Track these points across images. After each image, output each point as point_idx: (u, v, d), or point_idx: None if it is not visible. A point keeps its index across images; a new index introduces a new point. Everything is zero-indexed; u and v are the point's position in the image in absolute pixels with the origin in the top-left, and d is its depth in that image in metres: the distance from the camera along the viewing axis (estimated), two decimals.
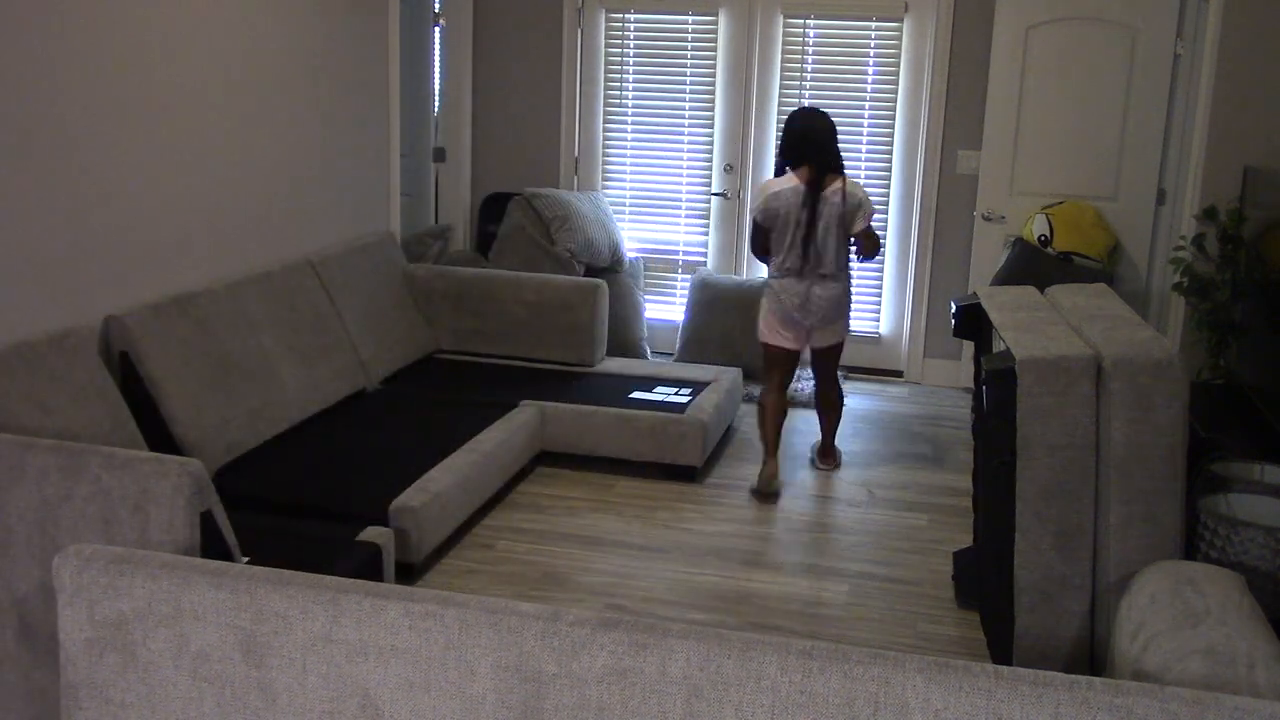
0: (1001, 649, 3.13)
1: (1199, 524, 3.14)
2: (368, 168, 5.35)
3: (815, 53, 6.32)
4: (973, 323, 3.62)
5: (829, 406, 4.94)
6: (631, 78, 6.58)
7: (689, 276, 6.70)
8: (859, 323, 6.54)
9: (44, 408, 3.15)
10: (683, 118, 6.56)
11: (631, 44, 6.54)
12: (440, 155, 6.87)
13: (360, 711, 1.98)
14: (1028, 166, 6.06)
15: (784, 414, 4.74)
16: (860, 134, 6.35)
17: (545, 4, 6.58)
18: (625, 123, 6.63)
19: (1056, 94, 5.94)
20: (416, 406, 4.67)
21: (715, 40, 6.42)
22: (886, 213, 6.39)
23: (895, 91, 6.26)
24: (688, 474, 4.81)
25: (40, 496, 2.59)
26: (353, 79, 5.14)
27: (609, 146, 6.68)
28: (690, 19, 6.44)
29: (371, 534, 3.48)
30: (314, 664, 1.99)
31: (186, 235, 4.08)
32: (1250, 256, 4.99)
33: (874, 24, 6.21)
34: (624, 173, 6.68)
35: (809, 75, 6.34)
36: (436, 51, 6.81)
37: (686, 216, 6.67)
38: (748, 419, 5.67)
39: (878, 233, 5.26)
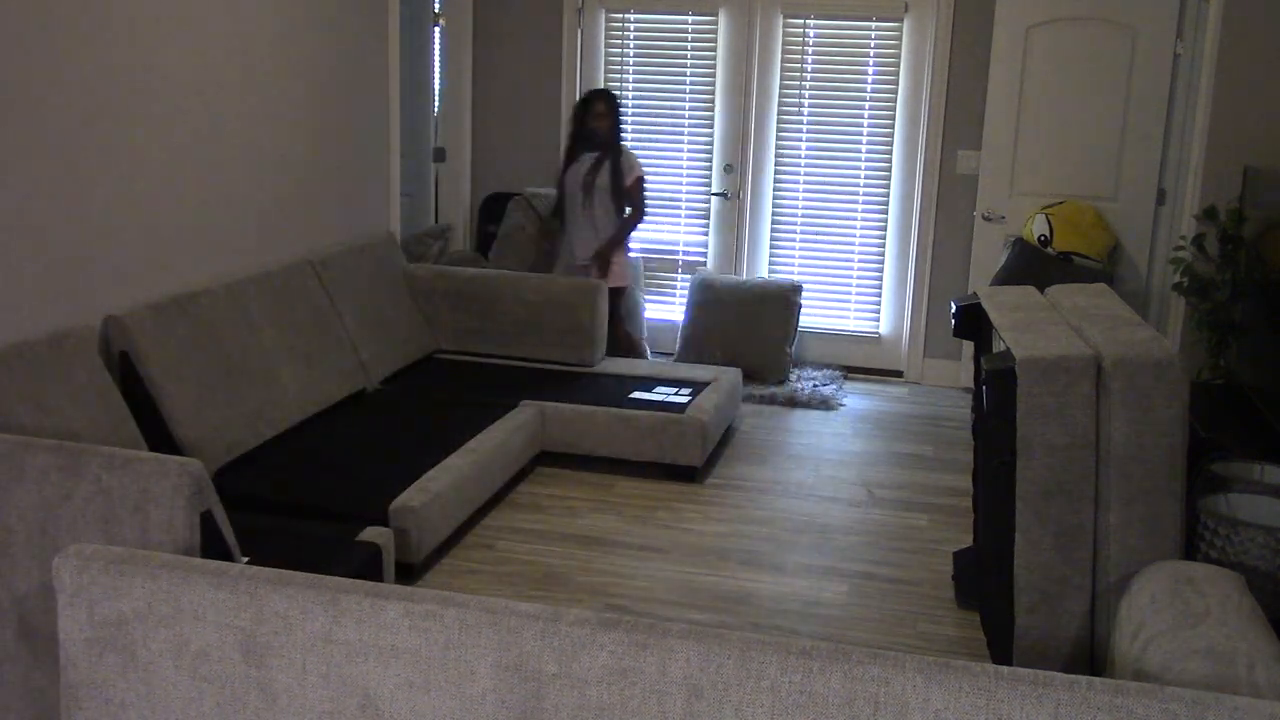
0: (1001, 649, 3.13)
1: (1199, 524, 3.14)
2: (368, 168, 5.35)
3: (815, 53, 6.32)
4: (973, 323, 3.62)
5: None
6: (631, 78, 6.58)
7: (689, 276, 6.71)
8: (859, 323, 6.54)
9: (44, 408, 3.15)
10: (683, 118, 6.57)
11: (631, 44, 6.54)
12: (440, 155, 6.87)
13: (360, 711, 1.98)
14: (1028, 166, 6.06)
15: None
16: (860, 134, 6.35)
17: (545, 4, 6.58)
18: (625, 123, 6.63)
19: (1056, 94, 5.95)
20: (416, 407, 4.67)
21: (715, 40, 6.42)
22: (886, 213, 6.39)
23: (895, 91, 6.26)
24: (688, 474, 4.81)
25: (40, 496, 2.59)
26: (353, 79, 5.14)
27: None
28: (690, 19, 6.44)
29: (371, 534, 3.48)
30: (314, 664, 1.99)
31: (187, 235, 4.09)
32: (1250, 256, 4.99)
33: (874, 24, 6.22)
34: None
35: (809, 75, 6.35)
36: (436, 51, 6.81)
37: (686, 216, 6.67)
38: (748, 419, 5.68)
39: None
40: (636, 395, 4.97)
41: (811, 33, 6.31)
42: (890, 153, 6.33)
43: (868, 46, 6.24)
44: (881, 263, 6.45)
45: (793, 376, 6.28)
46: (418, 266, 5.53)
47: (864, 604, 3.80)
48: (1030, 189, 6.08)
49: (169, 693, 2.06)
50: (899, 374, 6.52)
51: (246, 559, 3.20)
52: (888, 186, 6.37)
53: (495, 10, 6.66)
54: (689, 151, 6.59)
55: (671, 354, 6.66)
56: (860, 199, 6.41)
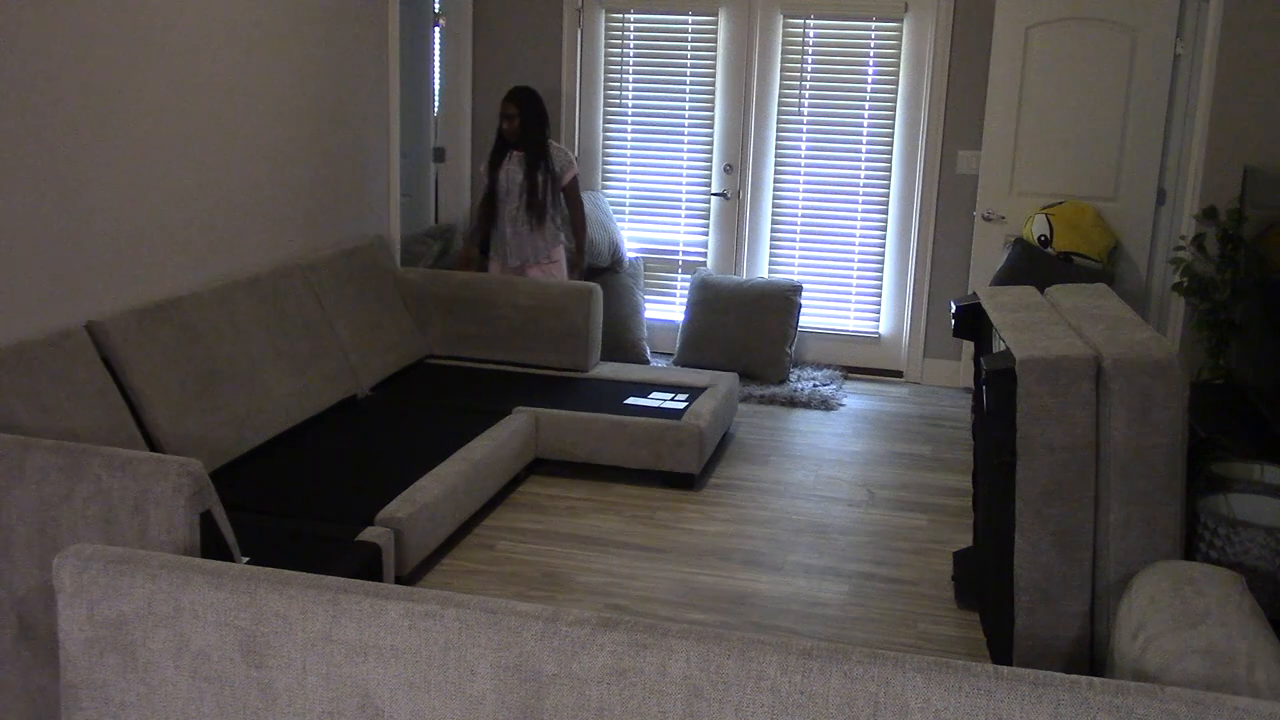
0: (1001, 649, 3.13)
1: (1199, 524, 3.14)
2: (366, 168, 5.35)
3: (815, 53, 6.32)
4: (973, 323, 3.62)
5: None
6: (631, 78, 6.58)
7: (689, 276, 6.71)
8: (859, 323, 6.54)
9: (44, 407, 3.15)
10: (683, 118, 6.57)
11: (631, 44, 6.54)
12: (440, 155, 6.87)
13: (360, 711, 1.98)
14: (1028, 166, 6.06)
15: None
16: (860, 134, 6.35)
17: (545, 4, 6.58)
18: (625, 123, 6.63)
19: (1056, 94, 5.95)
20: (407, 413, 4.58)
21: (715, 40, 6.42)
22: (886, 213, 6.39)
23: (895, 91, 6.26)
24: (685, 481, 4.72)
25: (40, 497, 2.59)
26: (352, 79, 5.14)
27: (609, 146, 6.68)
28: (690, 19, 6.44)
29: (371, 534, 3.47)
30: (314, 664, 1.99)
31: (174, 238, 4.03)
32: (1250, 256, 4.99)
33: (874, 24, 6.22)
34: (624, 173, 6.68)
35: (809, 75, 6.35)
36: (436, 51, 6.81)
37: (686, 216, 6.67)
38: (748, 419, 5.68)
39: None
40: (632, 401, 4.90)
41: (811, 33, 6.31)
42: (890, 153, 6.33)
43: (868, 46, 6.24)
44: (881, 263, 6.45)
45: (793, 376, 6.28)
46: (409, 270, 5.47)
47: (864, 604, 3.80)
48: (1030, 189, 6.08)
49: (169, 693, 2.06)
50: (899, 374, 6.52)
51: (247, 559, 3.21)
52: (888, 186, 6.37)
53: (495, 10, 6.66)
54: (689, 151, 6.59)
55: (671, 354, 6.66)
56: (860, 199, 6.41)
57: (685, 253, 6.71)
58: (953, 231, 6.28)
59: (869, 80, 6.28)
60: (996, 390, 2.91)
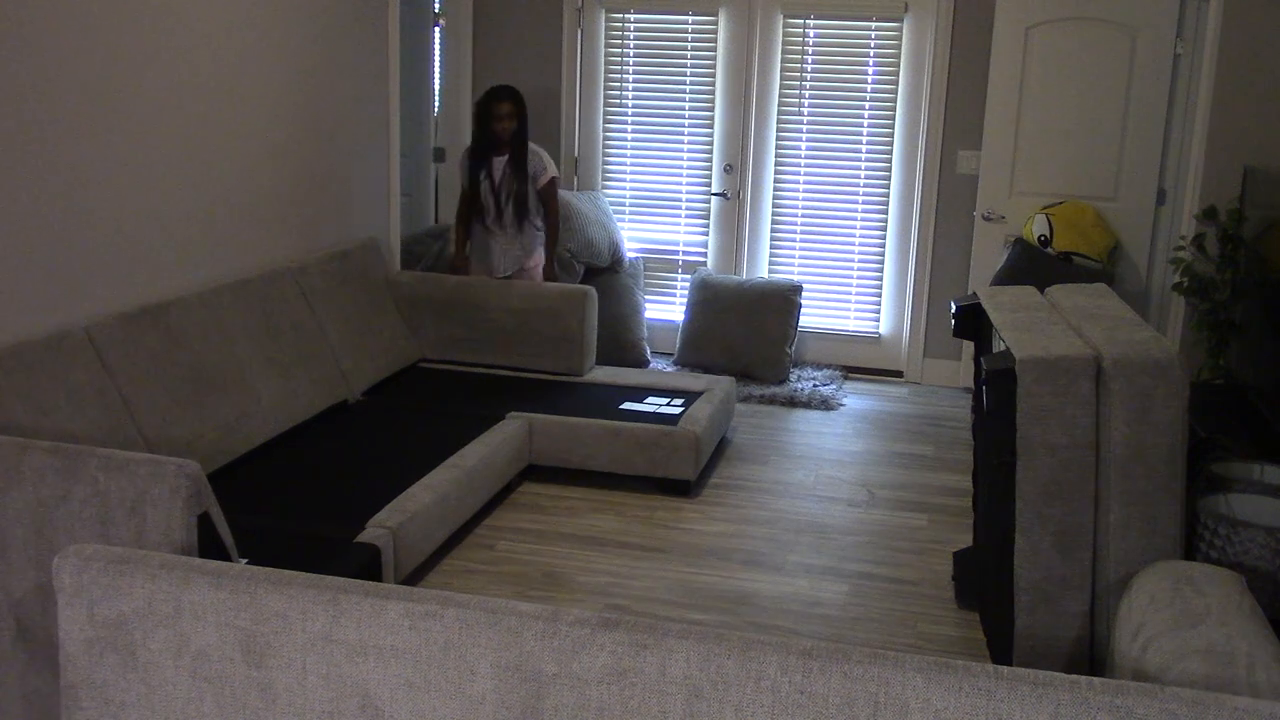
0: (1001, 649, 3.13)
1: (1199, 524, 3.14)
2: (366, 169, 5.34)
3: (815, 53, 6.32)
4: (973, 323, 3.62)
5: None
6: (631, 78, 6.58)
7: (689, 276, 6.71)
8: (859, 322, 6.54)
9: (41, 408, 3.14)
10: (683, 118, 6.57)
11: (631, 44, 6.54)
12: (440, 155, 6.87)
13: (360, 711, 1.98)
14: (1028, 166, 6.06)
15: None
16: (860, 134, 6.35)
17: (545, 4, 6.58)
18: (625, 123, 6.63)
19: (1056, 94, 5.95)
20: (399, 419, 4.51)
21: (715, 40, 6.42)
22: (886, 213, 6.39)
23: (895, 91, 6.26)
24: (681, 488, 4.67)
25: (37, 498, 2.59)
26: (352, 79, 5.13)
27: (609, 146, 6.68)
28: (690, 19, 6.44)
29: (370, 535, 3.47)
30: (314, 664, 1.99)
31: (173, 240, 4.01)
32: (1250, 256, 4.99)
33: (874, 24, 6.22)
34: (624, 173, 6.68)
35: (809, 75, 6.35)
36: (436, 51, 6.81)
37: (686, 216, 6.67)
38: (742, 430, 5.67)
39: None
40: (627, 406, 4.84)
41: (811, 33, 6.31)
42: (890, 153, 6.33)
43: (868, 46, 6.24)
44: (881, 263, 6.45)
45: (793, 376, 6.28)
46: (401, 273, 5.42)
47: (864, 604, 3.80)
48: (1030, 189, 6.08)
49: (169, 693, 2.06)
50: (899, 374, 6.52)
51: (245, 560, 3.20)
52: (888, 186, 6.37)
53: (495, 10, 6.66)
54: (689, 152, 6.59)
55: (672, 354, 6.66)
56: (860, 199, 6.41)
57: (685, 253, 6.71)
58: (953, 231, 6.28)
59: (869, 80, 6.28)
60: (996, 390, 2.91)
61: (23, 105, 3.30)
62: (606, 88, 6.61)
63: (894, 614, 3.74)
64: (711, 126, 6.53)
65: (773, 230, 6.55)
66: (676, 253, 6.72)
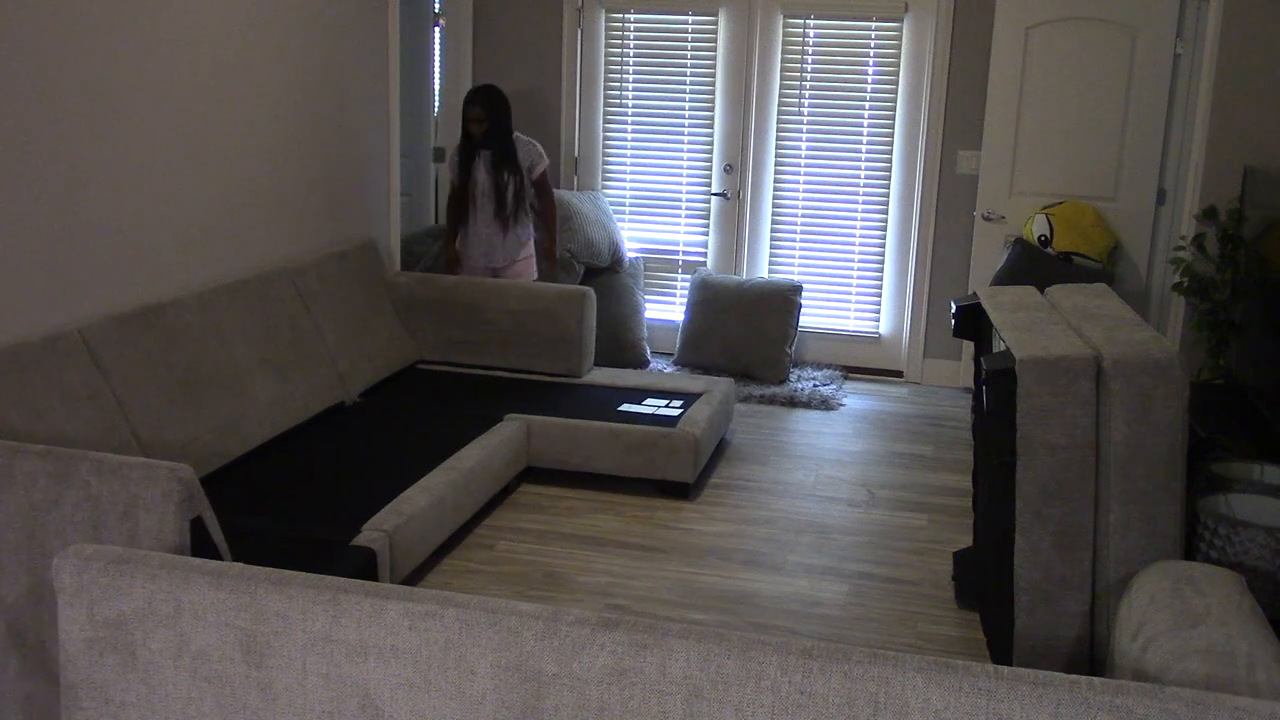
0: (1001, 649, 3.13)
1: (1199, 524, 3.14)
2: (365, 169, 5.34)
3: (815, 53, 6.32)
4: (973, 323, 3.62)
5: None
6: (631, 78, 6.58)
7: (689, 276, 6.71)
8: (859, 322, 6.54)
9: (35, 411, 3.13)
10: (683, 118, 6.57)
11: (631, 44, 6.54)
12: (440, 155, 6.87)
13: (360, 711, 1.98)
14: (1028, 166, 6.06)
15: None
16: (860, 134, 6.35)
17: (545, 4, 6.58)
18: (625, 123, 6.63)
19: (1056, 94, 5.95)
20: (396, 421, 4.49)
21: (715, 40, 6.42)
22: (886, 213, 6.40)
23: (895, 91, 6.26)
24: (680, 490, 4.65)
25: (29, 502, 2.58)
26: (352, 79, 5.13)
27: (609, 146, 6.68)
28: (690, 19, 6.44)
29: (367, 538, 3.46)
30: (314, 664, 1.99)
31: (172, 241, 4.00)
32: (1250, 256, 4.99)
33: (874, 24, 6.22)
34: (624, 173, 6.68)
35: (809, 75, 6.35)
36: (436, 51, 6.82)
37: (686, 216, 6.67)
38: (742, 430, 5.67)
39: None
40: (626, 408, 4.83)
41: (811, 33, 6.31)
42: (890, 153, 6.33)
43: (868, 46, 6.24)
44: (881, 263, 6.45)
45: (793, 376, 6.28)
46: (399, 274, 5.41)
47: (864, 604, 3.80)
48: (1030, 189, 6.08)
49: (169, 693, 2.06)
50: (899, 374, 6.52)
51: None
52: (888, 186, 6.37)
53: (495, 10, 6.66)
54: (689, 151, 6.59)
55: (672, 354, 6.66)
56: (860, 199, 6.41)
57: (685, 253, 6.71)
58: (953, 231, 6.28)
59: (869, 80, 6.28)
60: (996, 390, 2.91)
61: (19, 105, 3.29)
62: (606, 88, 6.61)
63: (894, 614, 3.74)
64: (711, 126, 6.53)
65: (773, 230, 6.55)
66: (676, 253, 6.72)
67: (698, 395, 5.07)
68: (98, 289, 3.65)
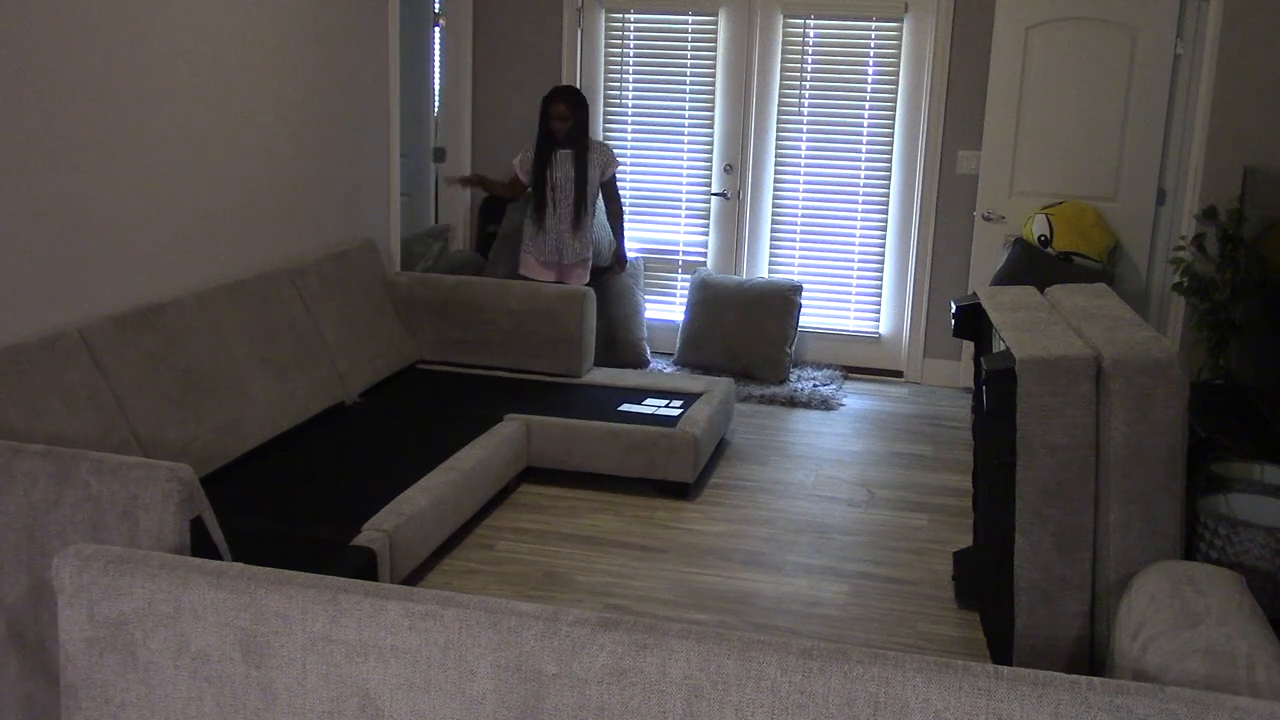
0: (1001, 649, 3.13)
1: (1199, 524, 3.14)
2: (365, 169, 5.34)
3: (815, 53, 6.32)
4: (973, 323, 3.62)
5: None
6: (631, 78, 6.58)
7: (689, 276, 6.71)
8: (859, 322, 6.54)
9: (35, 410, 3.13)
10: (683, 118, 6.57)
11: (631, 44, 6.54)
12: (440, 155, 6.87)
13: (360, 711, 1.98)
14: (1028, 166, 6.06)
15: None
16: (860, 134, 6.35)
17: (545, 4, 6.58)
18: (625, 123, 6.63)
19: (1056, 94, 5.95)
20: (396, 421, 4.49)
21: (715, 40, 6.42)
22: (886, 213, 6.40)
23: (895, 91, 6.26)
24: (679, 490, 4.65)
25: (28, 502, 2.58)
26: (352, 79, 5.13)
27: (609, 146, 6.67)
28: (690, 19, 6.44)
29: (367, 539, 3.46)
30: (314, 664, 1.99)
31: (172, 242, 4.01)
32: (1250, 256, 4.99)
33: (874, 24, 6.22)
34: (624, 173, 6.68)
35: (809, 75, 6.35)
36: (436, 51, 6.81)
37: (686, 216, 6.67)
38: (742, 430, 5.67)
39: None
40: (626, 408, 4.82)
41: (811, 33, 6.31)
42: (890, 153, 6.33)
43: (868, 46, 6.24)
44: (881, 263, 6.45)
45: (793, 376, 6.28)
46: (399, 274, 5.40)
47: (864, 604, 3.80)
48: (1030, 189, 6.08)
49: (169, 693, 2.06)
50: (899, 374, 6.52)
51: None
52: (888, 186, 6.37)
53: (495, 10, 6.66)
54: (689, 151, 6.59)
55: (672, 354, 6.66)
56: (860, 199, 6.41)
57: (685, 253, 6.71)
58: (953, 231, 6.28)
59: (869, 80, 6.28)
60: (996, 390, 2.91)
61: (19, 105, 3.29)
62: (606, 88, 6.61)
63: (894, 614, 3.74)
64: (711, 126, 6.53)
65: (773, 230, 6.55)
66: (676, 253, 6.72)
67: (698, 395, 5.07)
68: (98, 289, 3.65)
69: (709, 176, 6.59)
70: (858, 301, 6.52)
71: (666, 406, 4.87)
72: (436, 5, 6.76)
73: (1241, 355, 5.04)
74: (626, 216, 6.72)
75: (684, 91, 6.53)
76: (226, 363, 3.98)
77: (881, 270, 6.46)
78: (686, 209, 6.66)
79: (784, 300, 6.24)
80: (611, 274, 6.12)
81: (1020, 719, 1.72)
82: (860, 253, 6.47)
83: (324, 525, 3.52)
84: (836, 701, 1.78)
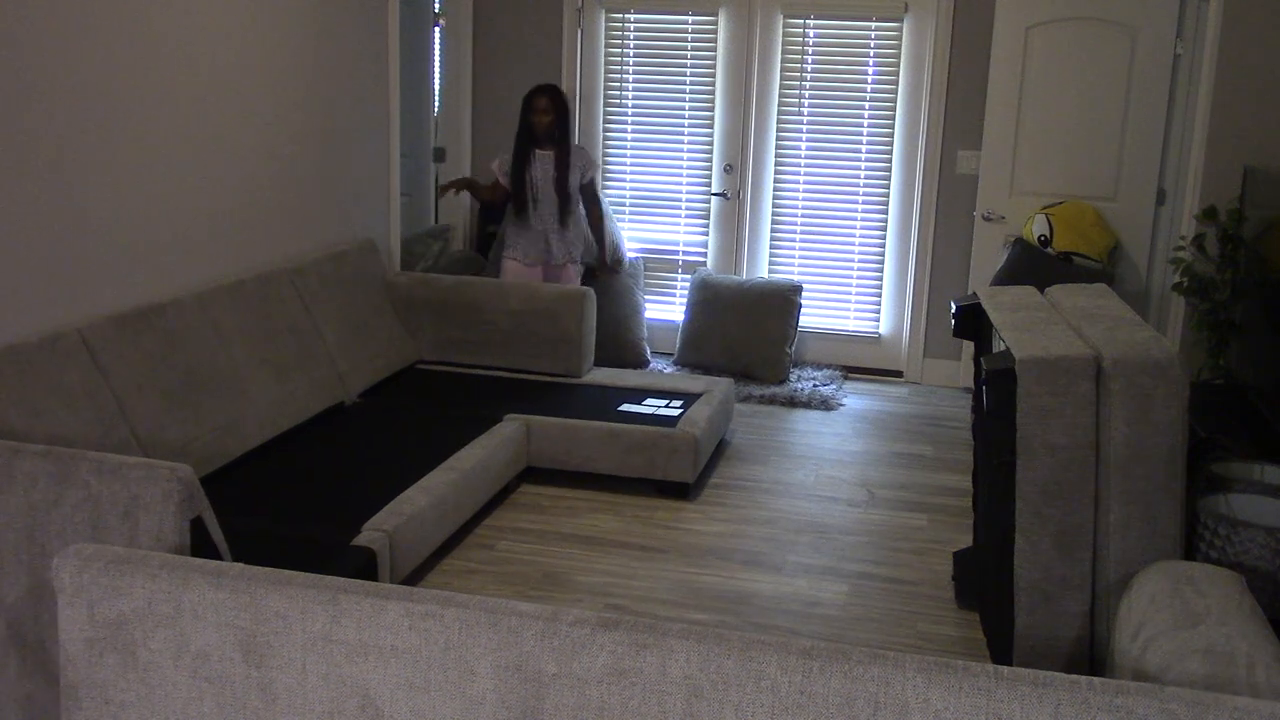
0: (1001, 649, 3.13)
1: (1199, 524, 3.14)
2: (365, 169, 5.34)
3: (815, 53, 6.32)
4: (973, 323, 3.62)
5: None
6: (631, 78, 6.58)
7: (689, 276, 6.71)
8: (859, 322, 6.54)
9: (34, 410, 3.13)
10: (683, 118, 6.57)
11: (631, 44, 6.54)
12: (440, 155, 6.87)
13: (360, 711, 1.98)
14: (1028, 166, 6.06)
15: None
16: (860, 134, 6.35)
17: (545, 4, 6.58)
18: (625, 123, 6.63)
19: (1056, 94, 5.95)
20: (396, 421, 4.48)
21: (715, 40, 6.42)
22: (886, 213, 6.39)
23: (895, 91, 6.26)
24: (680, 490, 4.65)
25: (28, 502, 2.58)
26: (352, 79, 5.13)
27: (609, 146, 6.68)
28: (690, 19, 6.44)
29: (367, 539, 3.46)
30: (314, 664, 1.99)
31: (172, 242, 4.01)
32: (1250, 256, 4.99)
33: (874, 24, 6.22)
34: (624, 173, 6.68)
35: (809, 75, 6.35)
36: (436, 51, 6.81)
37: (686, 216, 6.67)
38: (742, 430, 5.67)
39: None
40: (626, 408, 4.81)
41: (811, 33, 6.31)
42: (890, 153, 6.33)
43: (868, 46, 6.24)
44: (881, 263, 6.45)
45: (793, 376, 6.28)
46: (399, 274, 5.39)
47: (864, 604, 3.80)
48: (1030, 189, 6.08)
49: (169, 693, 2.06)
50: (899, 374, 6.52)
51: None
52: (888, 186, 6.37)
53: (495, 10, 6.66)
54: (689, 151, 6.59)
55: (672, 354, 6.66)
56: (860, 199, 6.41)
57: (685, 253, 6.71)
58: (953, 231, 6.28)
59: (869, 80, 6.28)
60: (996, 390, 2.91)
61: (19, 105, 3.29)
62: (606, 88, 6.61)
63: (894, 614, 3.74)
64: (711, 126, 6.53)
65: (773, 230, 6.55)
66: (676, 253, 6.72)
67: (698, 395, 5.07)
68: (98, 289, 3.65)
69: (709, 176, 6.59)
70: (858, 301, 6.52)
71: (666, 406, 4.87)
72: (436, 5, 6.76)
73: (1241, 355, 5.04)
74: (626, 217, 6.72)
75: (684, 91, 6.53)
76: (226, 363, 3.97)
77: (881, 270, 6.46)
78: (686, 209, 6.66)
79: (784, 300, 6.24)
80: (610, 275, 6.12)
81: (1020, 719, 1.72)
82: (860, 253, 6.47)
83: (324, 525, 3.51)
84: (836, 701, 1.78)
